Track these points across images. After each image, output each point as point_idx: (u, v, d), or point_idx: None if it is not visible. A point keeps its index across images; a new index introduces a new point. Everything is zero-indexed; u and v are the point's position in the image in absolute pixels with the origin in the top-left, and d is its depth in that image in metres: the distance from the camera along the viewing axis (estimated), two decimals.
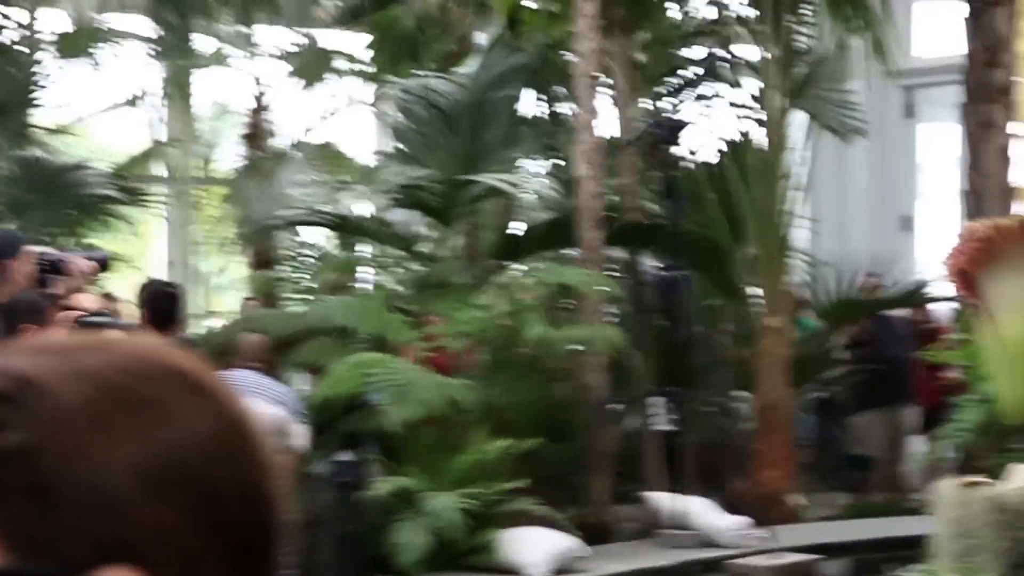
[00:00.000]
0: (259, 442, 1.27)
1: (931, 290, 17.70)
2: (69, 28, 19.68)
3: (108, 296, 10.01)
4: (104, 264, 9.78)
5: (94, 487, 1.14)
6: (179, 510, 1.18)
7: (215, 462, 1.22)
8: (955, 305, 15.79)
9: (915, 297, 17.83)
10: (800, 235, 16.70)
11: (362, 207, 18.61)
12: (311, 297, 16.76)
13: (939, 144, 20.81)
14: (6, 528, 1.14)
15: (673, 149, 14.85)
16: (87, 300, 8.99)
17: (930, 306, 18.09)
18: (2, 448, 1.15)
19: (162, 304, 11.22)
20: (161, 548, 1.16)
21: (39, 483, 1.14)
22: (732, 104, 17.71)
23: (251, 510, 1.25)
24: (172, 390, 1.23)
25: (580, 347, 14.57)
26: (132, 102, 20.68)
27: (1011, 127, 16.48)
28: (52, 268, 9.21)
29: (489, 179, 15.58)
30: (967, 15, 16.71)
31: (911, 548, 12.74)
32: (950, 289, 16.51)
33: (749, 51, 17.25)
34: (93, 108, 21.45)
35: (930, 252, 20.30)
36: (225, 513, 1.22)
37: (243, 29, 18.66)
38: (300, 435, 11.74)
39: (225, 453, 1.24)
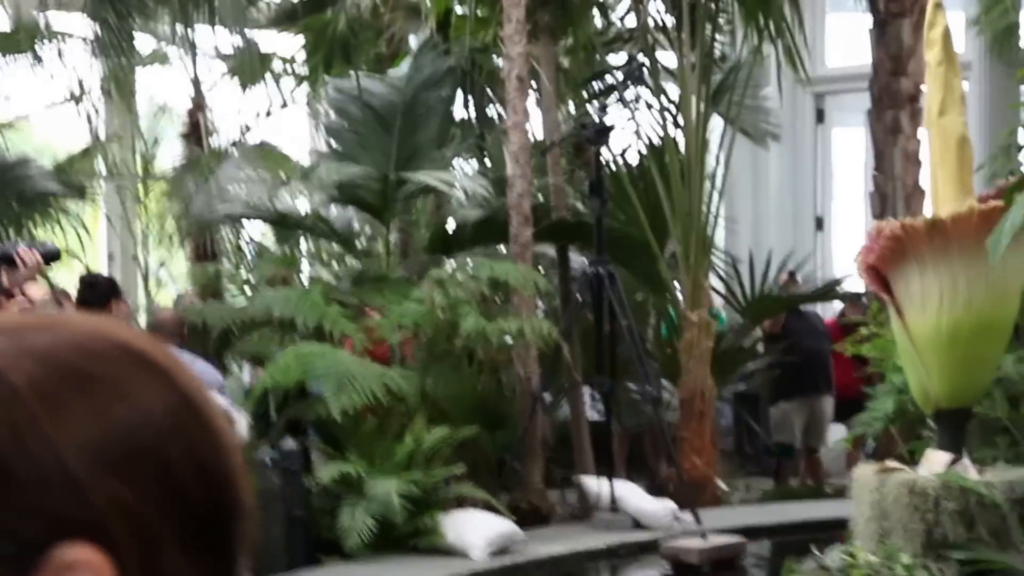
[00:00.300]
0: (214, 419, 1.27)
1: (844, 286, 17.80)
2: (8, 26, 19.48)
3: (54, 288, 9.92)
4: (53, 256, 9.76)
5: (47, 466, 1.14)
6: (135, 487, 1.18)
7: (169, 439, 1.22)
8: (866, 300, 15.87)
9: (828, 293, 17.92)
10: (719, 234, 16.73)
11: (300, 203, 18.50)
12: (251, 291, 16.66)
13: (849, 148, 20.91)
14: None
15: (599, 150, 14.77)
16: (35, 290, 8.99)
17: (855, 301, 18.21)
18: None
19: (94, 295, 11.26)
20: (119, 525, 1.16)
21: None
22: (653, 108, 17.77)
23: (208, 487, 1.24)
24: (123, 368, 1.23)
25: (512, 339, 14.56)
26: (73, 99, 20.48)
27: (916, 132, 16.59)
28: (2, 259, 9.21)
29: (423, 177, 15.66)
30: (873, 26, 16.82)
31: (830, 530, 12.87)
32: (861, 285, 16.78)
33: (669, 58, 17.22)
34: (34, 105, 21.25)
35: (842, 250, 20.43)
36: (182, 490, 1.22)
37: (181, 30, 18.49)
38: (240, 420, 11.65)
39: (179, 430, 1.23)
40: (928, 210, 12.38)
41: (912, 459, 11.58)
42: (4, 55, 18.85)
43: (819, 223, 21.02)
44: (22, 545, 1.12)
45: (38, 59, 19.04)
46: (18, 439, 1.14)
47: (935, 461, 10.94)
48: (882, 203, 16.37)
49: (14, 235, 16.48)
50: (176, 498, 1.21)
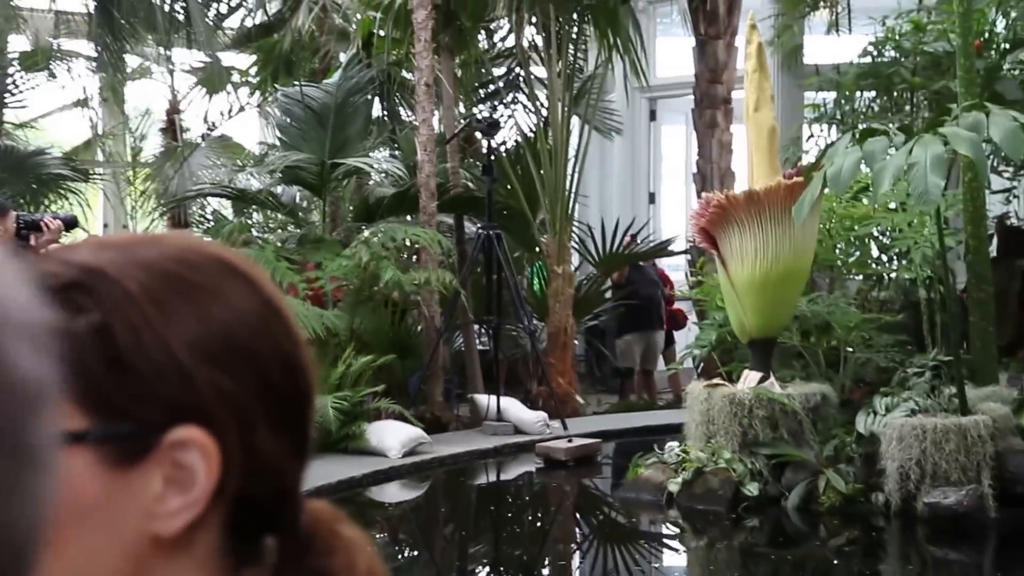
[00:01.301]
0: (292, 319, 1.18)
1: (671, 246, 17.90)
2: (30, 48, 19.28)
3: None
4: (71, 224, 9.52)
5: (161, 359, 1.06)
6: (233, 377, 1.10)
7: (258, 336, 1.13)
8: (690, 256, 15.94)
9: (660, 251, 17.92)
10: (577, 206, 16.60)
11: (253, 183, 18.51)
12: None
13: (674, 140, 20.90)
14: (88, 396, 1.04)
15: (488, 141, 14.71)
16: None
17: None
18: (80, 327, 1.05)
19: None
20: (220, 410, 1.08)
21: (113, 356, 1.05)
22: (528, 109, 17.72)
23: (291, 376, 1.15)
24: (217, 276, 1.13)
25: (420, 286, 14.31)
26: (78, 104, 20.33)
27: (729, 127, 16.71)
28: (29, 226, 9.13)
29: (352, 162, 15.54)
30: (695, 45, 16.91)
31: (663, 433, 12.89)
32: (683, 244, 16.76)
33: (540, 70, 17.12)
34: (49, 109, 21.04)
35: (669, 218, 20.50)
36: (270, 378, 1.13)
37: (163, 50, 18.28)
38: None
39: (265, 328, 1.14)
40: (743, 185, 12.37)
41: (730, 377, 11.50)
42: (25, 70, 18.58)
43: (652, 198, 21.06)
44: (140, 427, 1.05)
45: (51, 73, 18.92)
46: (136, 336, 1.06)
47: (749, 378, 11.04)
48: (703, 181, 16.54)
49: (33, 208, 16.23)
50: (266, 385, 1.12)
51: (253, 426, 1.11)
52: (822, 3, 17.36)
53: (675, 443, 11.34)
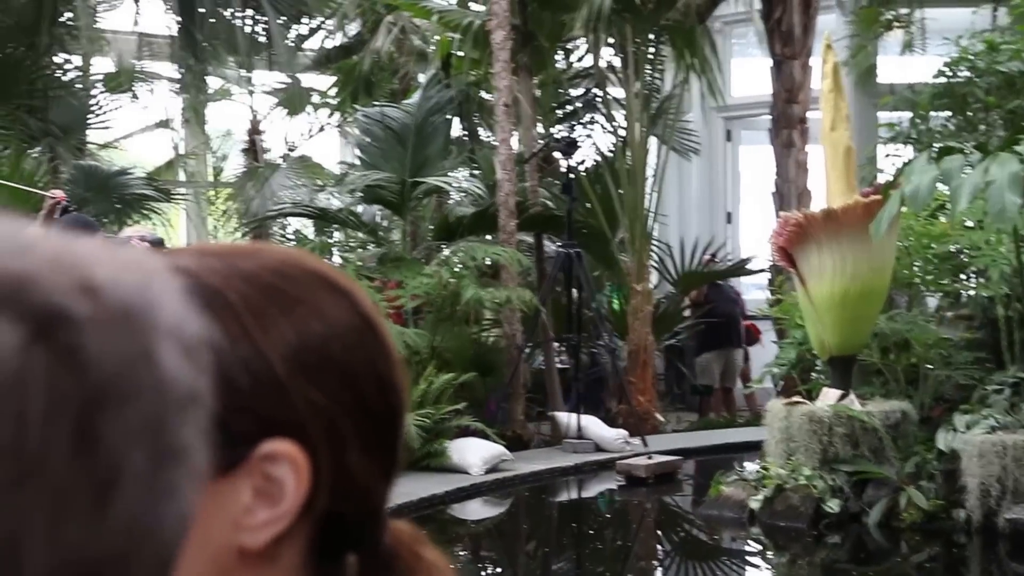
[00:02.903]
0: (387, 336, 1.18)
1: (750, 264, 17.89)
2: (114, 70, 19.54)
3: None
4: (158, 244, 9.61)
5: (258, 370, 1.07)
6: (327, 393, 1.10)
7: (354, 352, 1.13)
8: (770, 275, 15.96)
9: (738, 270, 17.94)
10: (656, 225, 16.70)
11: (333, 203, 18.63)
12: None
13: (752, 159, 20.90)
14: None
15: (567, 160, 14.82)
16: None
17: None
18: None
19: None
20: (314, 425, 1.08)
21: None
22: (606, 129, 17.81)
23: (384, 393, 1.15)
24: (315, 290, 1.14)
25: (501, 305, 14.46)
26: (160, 125, 20.56)
27: (806, 147, 16.71)
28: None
29: (432, 181, 15.63)
30: (772, 65, 16.91)
31: (743, 451, 12.92)
32: (762, 264, 16.79)
33: (618, 91, 17.21)
34: (132, 129, 21.28)
35: (746, 237, 20.51)
36: (363, 396, 1.13)
37: (244, 72, 18.51)
38: None
39: (361, 344, 1.14)
40: (820, 204, 12.41)
41: (809, 395, 11.54)
42: (109, 92, 18.82)
43: (728, 217, 21.04)
44: (234, 438, 1.05)
45: (134, 95, 19.12)
46: (234, 346, 1.07)
47: (829, 396, 11.08)
48: (780, 200, 16.48)
49: (117, 228, 16.41)
50: (359, 402, 1.13)
51: (344, 443, 1.11)
52: (896, 24, 17.41)
53: (755, 464, 11.43)
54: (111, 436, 0.63)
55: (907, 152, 14.96)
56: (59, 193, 9.85)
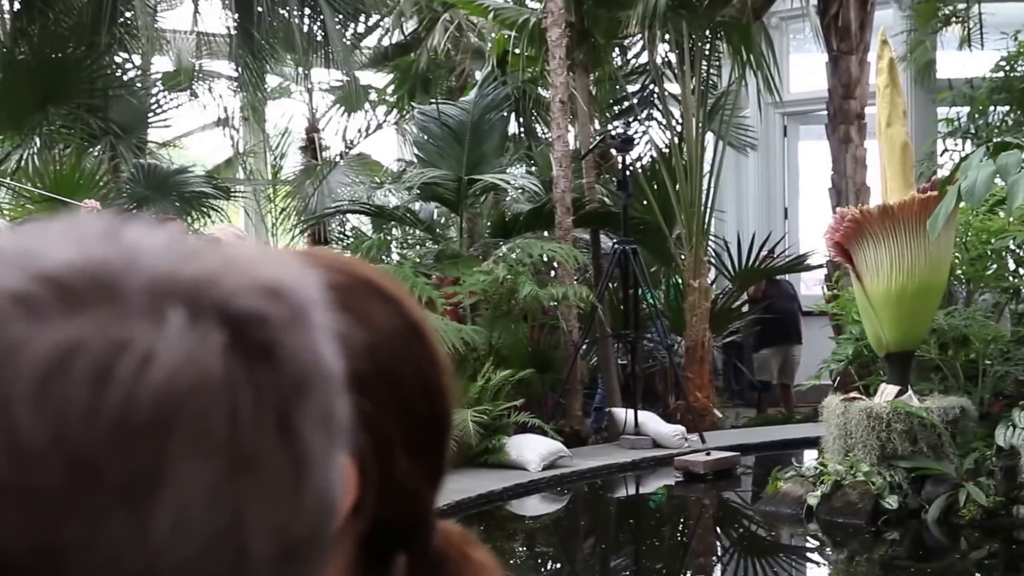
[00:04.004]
0: (435, 344, 1.21)
1: (808, 260, 17.81)
2: (173, 69, 19.66)
3: None
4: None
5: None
6: (374, 400, 1.11)
7: (401, 359, 1.16)
8: (827, 270, 15.90)
9: (796, 266, 17.86)
10: (713, 220, 16.67)
11: (391, 200, 18.71)
12: None
13: (808, 155, 20.80)
14: None
15: (623, 156, 14.80)
16: None
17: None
18: None
19: None
20: (361, 435, 1.07)
21: None
22: (662, 125, 17.76)
23: (430, 401, 1.18)
24: (365, 297, 1.16)
25: (558, 301, 14.45)
26: (219, 123, 20.64)
27: (863, 142, 16.64)
28: None
29: (488, 178, 15.76)
30: (828, 61, 16.84)
31: (801, 447, 12.90)
32: (819, 259, 16.72)
33: (674, 87, 17.20)
34: (191, 128, 21.42)
35: (804, 233, 20.42)
36: (410, 403, 1.16)
37: (302, 69, 18.58)
38: None
39: (408, 352, 1.17)
40: (877, 199, 12.35)
41: (867, 391, 11.50)
42: (168, 91, 18.93)
43: (785, 212, 20.94)
44: None
45: (194, 94, 19.24)
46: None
47: (887, 392, 11.03)
48: (838, 196, 16.40)
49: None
50: (406, 410, 1.16)
51: (391, 449, 1.13)
52: (954, 19, 17.31)
53: (813, 460, 11.40)
54: (302, 424, 0.69)
55: (967, 147, 14.91)
56: (93, 202, 9.90)
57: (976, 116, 15.27)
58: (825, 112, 17.21)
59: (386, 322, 1.17)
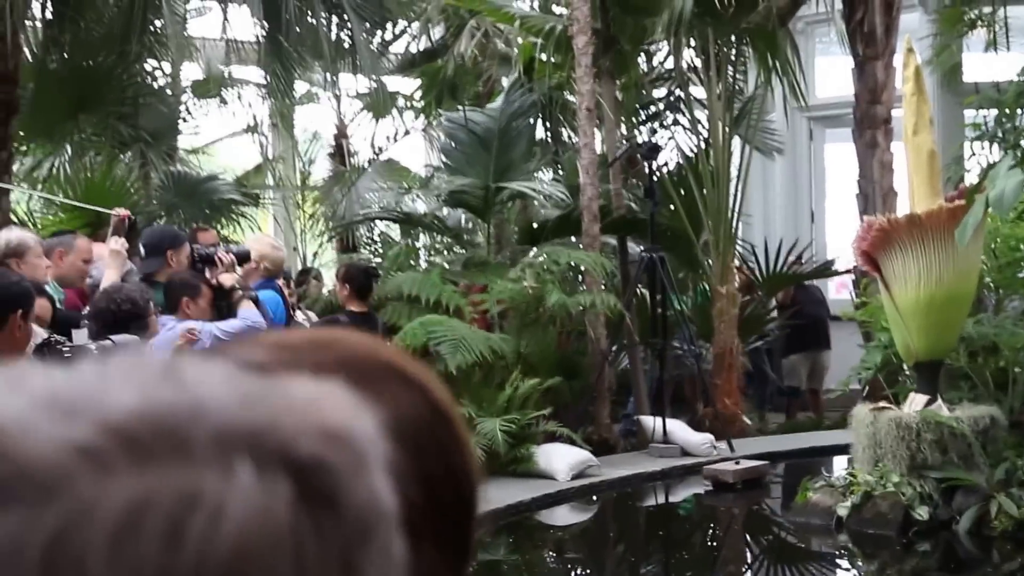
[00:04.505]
0: (461, 428, 1.16)
1: (835, 266, 17.71)
2: (202, 76, 19.67)
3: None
4: (244, 258, 9.60)
5: None
6: (398, 489, 0.95)
7: (426, 445, 1.11)
8: (855, 276, 15.80)
9: (824, 271, 17.77)
10: (740, 225, 16.55)
11: (419, 206, 18.70)
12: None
13: (834, 159, 20.70)
14: None
15: (651, 164, 14.71)
16: (227, 279, 8.90)
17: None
18: None
19: (361, 279, 11.26)
20: None
21: None
22: (689, 130, 17.67)
23: (455, 488, 1.13)
24: (387, 381, 1.12)
25: (586, 309, 14.37)
26: (248, 130, 20.68)
27: (890, 147, 16.53)
28: (204, 259, 9.20)
29: (515, 186, 15.60)
30: (854, 66, 16.74)
31: (830, 454, 12.80)
32: (847, 264, 16.59)
33: (700, 92, 17.11)
34: (220, 134, 21.44)
35: (831, 237, 20.33)
36: (435, 490, 1.11)
37: (330, 76, 18.55)
38: None
39: (432, 437, 1.12)
40: (904, 207, 12.27)
41: (896, 399, 11.38)
42: (198, 98, 18.98)
43: (812, 216, 20.85)
44: None
45: (223, 100, 19.28)
46: None
47: (916, 402, 10.90)
48: (865, 201, 16.30)
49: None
50: (430, 496, 1.10)
51: (418, 542, 1.03)
52: (979, 23, 17.19)
53: (843, 470, 11.29)
54: (365, 566, 0.70)
55: (995, 151, 14.77)
56: (123, 211, 9.86)
57: (1003, 120, 15.09)
58: (851, 114, 17.12)
59: (409, 407, 1.12)
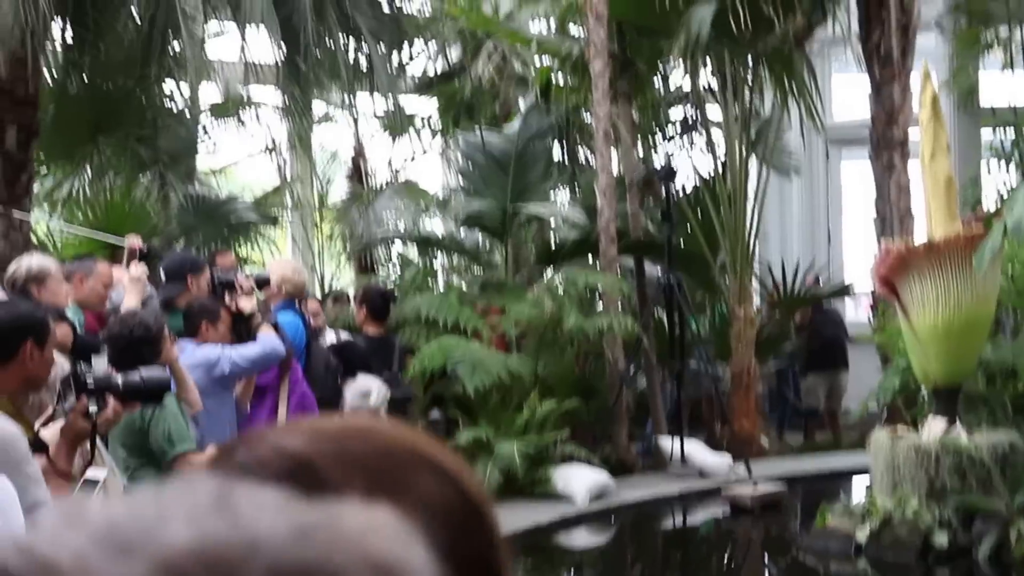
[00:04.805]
0: (490, 516, 1.15)
1: (852, 287, 17.65)
2: (220, 98, 19.68)
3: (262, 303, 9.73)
4: (263, 283, 9.57)
5: None
6: None
7: (457, 534, 1.10)
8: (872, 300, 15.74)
9: (842, 293, 17.70)
10: (757, 247, 16.47)
11: (436, 226, 18.67)
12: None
13: (852, 180, 20.66)
14: None
15: (668, 187, 14.64)
16: (246, 304, 8.87)
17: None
18: None
19: (378, 301, 11.22)
20: None
21: None
22: (705, 151, 17.63)
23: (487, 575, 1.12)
24: (422, 473, 1.12)
25: (603, 331, 14.26)
26: (267, 150, 20.67)
27: (907, 169, 16.50)
28: (224, 284, 9.17)
29: (532, 208, 15.67)
30: (871, 89, 16.72)
31: (848, 476, 12.76)
32: (866, 285, 16.55)
33: (716, 112, 17.05)
34: (239, 156, 21.46)
35: (847, 258, 20.28)
36: None
37: (347, 97, 18.52)
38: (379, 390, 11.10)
39: (464, 529, 1.12)
40: (921, 232, 12.22)
41: (915, 423, 11.32)
42: (216, 119, 18.98)
43: (829, 236, 20.78)
44: None
45: (241, 121, 19.28)
46: None
47: (934, 427, 10.83)
48: (882, 223, 16.26)
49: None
50: None
51: None
52: (996, 44, 17.16)
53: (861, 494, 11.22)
54: None
55: (1012, 171, 14.76)
56: (136, 241, 9.86)
57: (1020, 141, 15.09)
58: (867, 134, 17.08)
59: (442, 498, 1.12)
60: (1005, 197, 13.07)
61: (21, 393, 4.98)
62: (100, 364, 6.92)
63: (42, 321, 4.92)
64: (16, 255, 11.22)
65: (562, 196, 18.32)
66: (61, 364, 5.94)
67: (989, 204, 15.68)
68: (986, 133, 16.43)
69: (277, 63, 15.67)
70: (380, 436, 1.15)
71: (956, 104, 17.66)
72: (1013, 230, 8.97)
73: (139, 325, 6.78)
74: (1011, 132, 15.11)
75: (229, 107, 19.39)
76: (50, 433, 5.09)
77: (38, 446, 4.74)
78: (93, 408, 5.09)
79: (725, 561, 12.53)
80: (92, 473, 4.40)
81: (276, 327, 8.91)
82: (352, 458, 1.11)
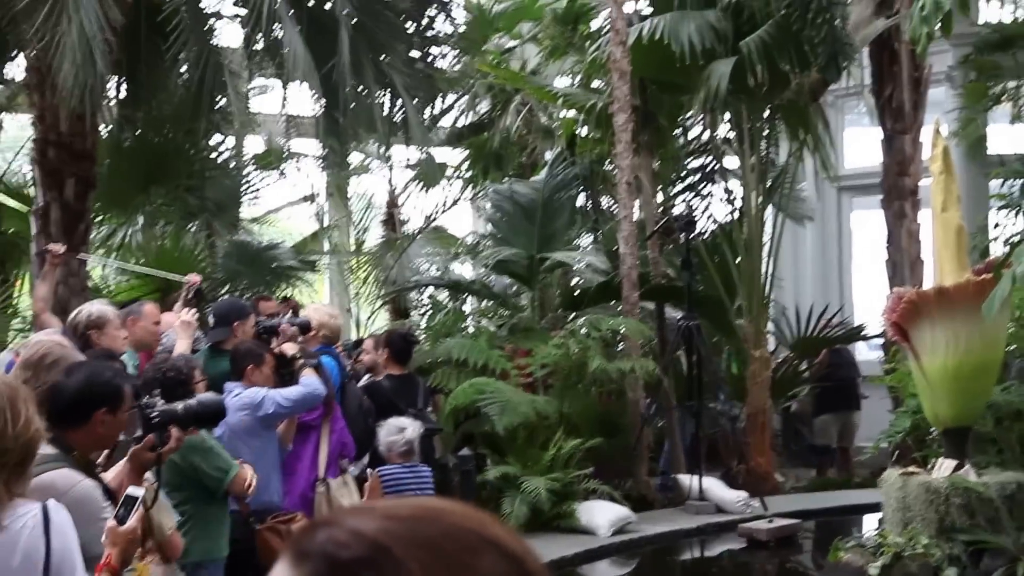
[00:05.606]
0: None
1: (865, 330, 17.59)
2: (263, 149, 19.79)
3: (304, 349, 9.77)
4: (305, 329, 9.59)
5: None
6: None
7: None
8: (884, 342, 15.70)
9: (854, 336, 17.64)
10: (771, 291, 16.44)
11: (466, 271, 18.73)
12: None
13: (866, 223, 20.62)
14: None
15: (688, 236, 14.62)
16: (290, 349, 8.89)
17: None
18: None
19: (400, 344, 11.18)
20: None
21: None
22: (722, 199, 17.64)
23: None
24: (489, 556, 1.13)
25: (625, 373, 14.26)
26: (306, 199, 20.80)
27: (917, 217, 16.49)
28: (268, 330, 9.21)
29: (558, 256, 15.65)
30: (882, 139, 16.73)
31: (860, 512, 12.69)
32: (878, 327, 16.48)
33: (733, 162, 17.05)
34: (280, 203, 21.56)
35: (859, 302, 20.22)
36: None
37: (383, 149, 18.63)
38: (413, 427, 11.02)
39: None
40: (932, 278, 12.18)
41: (925, 462, 11.26)
42: (259, 169, 19.09)
43: (841, 281, 20.76)
44: None
45: (282, 172, 19.37)
46: None
47: (944, 467, 10.73)
48: (893, 268, 16.30)
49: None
50: None
51: None
52: (1004, 97, 17.15)
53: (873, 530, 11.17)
54: None
55: (1020, 220, 14.69)
56: (195, 277, 9.95)
57: None
58: (878, 183, 17.09)
59: None
60: (1014, 244, 13.01)
61: (91, 451, 5.02)
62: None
63: (117, 390, 4.95)
64: (74, 299, 11.37)
65: (586, 243, 18.30)
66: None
67: (997, 251, 15.66)
68: (994, 183, 16.37)
69: (317, 117, 15.78)
70: (451, 520, 1.17)
71: (965, 154, 17.63)
72: (1021, 279, 8.93)
73: (171, 368, 6.97)
74: (1019, 182, 15.04)
75: (271, 158, 19.52)
76: (113, 477, 5.12)
77: (106, 490, 4.77)
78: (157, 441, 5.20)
79: None
80: (132, 490, 4.44)
81: (319, 368, 8.93)
82: (426, 542, 1.12)
